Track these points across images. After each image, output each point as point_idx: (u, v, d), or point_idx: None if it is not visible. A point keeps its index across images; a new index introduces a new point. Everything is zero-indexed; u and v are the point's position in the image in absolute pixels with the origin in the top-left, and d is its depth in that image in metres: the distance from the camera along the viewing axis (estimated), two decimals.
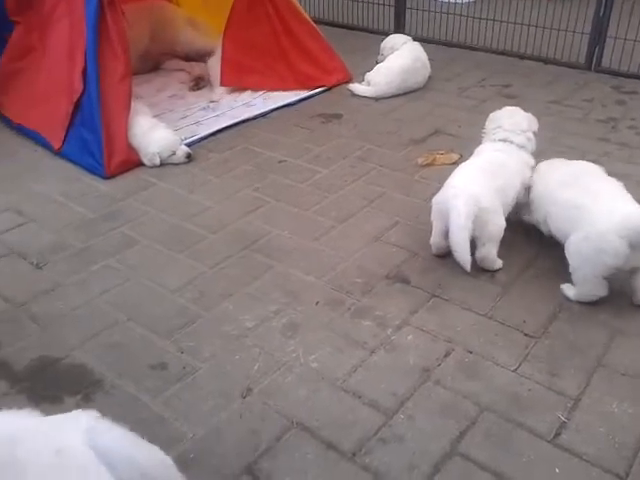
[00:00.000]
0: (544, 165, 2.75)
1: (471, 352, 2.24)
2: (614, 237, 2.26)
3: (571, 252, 2.41)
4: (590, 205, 2.37)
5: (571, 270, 2.43)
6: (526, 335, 2.30)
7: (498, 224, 2.55)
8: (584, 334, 2.30)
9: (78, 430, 1.35)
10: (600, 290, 2.38)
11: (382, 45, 4.43)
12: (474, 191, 2.49)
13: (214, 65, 4.32)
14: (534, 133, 2.83)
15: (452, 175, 2.66)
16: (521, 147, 2.75)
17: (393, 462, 1.86)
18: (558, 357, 2.20)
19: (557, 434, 1.93)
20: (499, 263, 2.61)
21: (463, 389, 2.09)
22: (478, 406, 2.03)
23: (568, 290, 2.46)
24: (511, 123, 2.80)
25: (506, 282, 2.57)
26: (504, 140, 2.76)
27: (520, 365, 2.17)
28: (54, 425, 1.40)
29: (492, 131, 2.84)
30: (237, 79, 4.29)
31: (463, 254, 2.45)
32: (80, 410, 1.45)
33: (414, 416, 2.00)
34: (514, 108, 2.92)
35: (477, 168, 2.67)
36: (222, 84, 4.28)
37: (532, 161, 2.76)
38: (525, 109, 2.99)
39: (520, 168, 2.70)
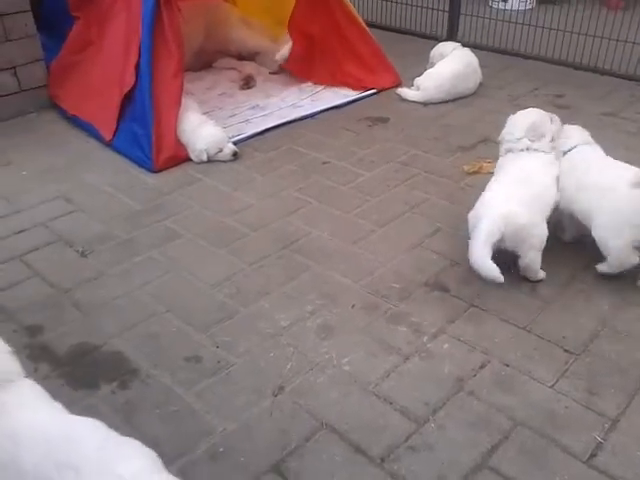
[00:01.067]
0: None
1: (508, 365, 2.19)
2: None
3: (603, 228, 2.49)
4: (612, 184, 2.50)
5: (604, 248, 2.51)
6: (566, 351, 2.25)
7: (538, 235, 2.49)
8: (627, 354, 2.23)
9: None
10: (632, 258, 2.49)
11: (431, 54, 4.40)
12: (505, 210, 2.43)
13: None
14: (539, 133, 2.65)
15: (486, 190, 2.60)
16: (527, 150, 2.63)
17: (421, 471, 1.84)
18: (598, 376, 2.14)
19: (593, 455, 1.88)
20: (542, 274, 2.56)
21: (497, 402, 2.05)
22: (512, 420, 1.99)
23: (602, 267, 2.53)
24: (506, 133, 2.74)
25: (548, 295, 2.51)
26: (509, 151, 2.69)
27: (558, 381, 2.12)
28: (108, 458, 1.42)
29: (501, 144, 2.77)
30: (299, 70, 4.43)
31: (486, 272, 2.39)
32: (143, 448, 1.47)
33: (445, 426, 1.98)
34: (518, 113, 2.78)
35: (509, 181, 2.59)
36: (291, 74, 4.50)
37: (553, 159, 2.63)
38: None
39: (546, 169, 2.59)
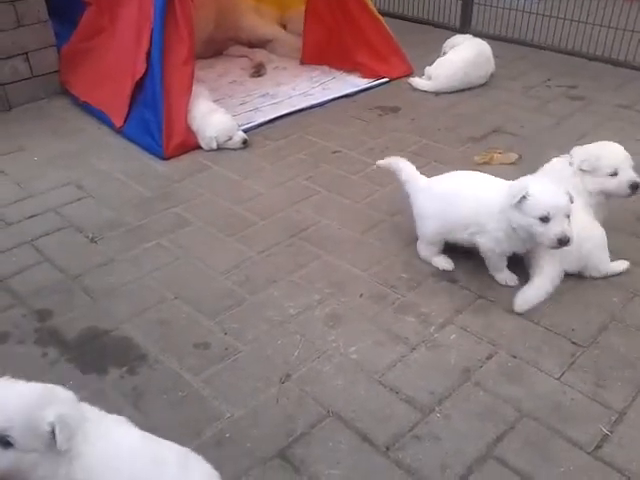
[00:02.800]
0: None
1: (515, 356, 2.19)
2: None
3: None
4: None
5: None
6: (573, 343, 2.24)
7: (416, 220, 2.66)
8: (635, 347, 2.22)
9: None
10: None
11: (443, 46, 4.38)
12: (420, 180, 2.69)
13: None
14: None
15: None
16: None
17: (426, 460, 1.85)
18: (605, 368, 2.14)
19: (598, 447, 1.87)
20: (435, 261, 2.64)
21: (504, 393, 2.05)
22: (518, 411, 1.99)
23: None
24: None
25: (557, 288, 2.49)
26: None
27: (564, 373, 2.12)
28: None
29: None
30: (317, 58, 4.49)
31: None
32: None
33: (451, 416, 1.98)
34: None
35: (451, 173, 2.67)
36: (304, 62, 4.55)
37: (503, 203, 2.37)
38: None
39: (483, 195, 2.45)
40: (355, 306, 2.43)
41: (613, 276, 2.53)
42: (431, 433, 1.93)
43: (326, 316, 2.38)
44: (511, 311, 2.38)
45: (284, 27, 4.99)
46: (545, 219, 2.24)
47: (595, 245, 2.49)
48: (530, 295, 2.38)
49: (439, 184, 2.61)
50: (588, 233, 2.47)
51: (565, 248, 2.30)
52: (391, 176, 3.28)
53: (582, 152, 2.58)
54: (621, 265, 2.55)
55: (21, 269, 2.64)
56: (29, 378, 2.12)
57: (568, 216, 2.27)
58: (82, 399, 1.76)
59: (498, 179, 2.51)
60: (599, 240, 2.51)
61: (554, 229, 2.24)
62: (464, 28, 5.21)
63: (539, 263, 2.44)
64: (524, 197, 2.27)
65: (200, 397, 2.05)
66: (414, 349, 2.23)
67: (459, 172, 2.66)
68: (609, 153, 2.56)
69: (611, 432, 1.92)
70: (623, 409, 1.99)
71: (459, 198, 2.50)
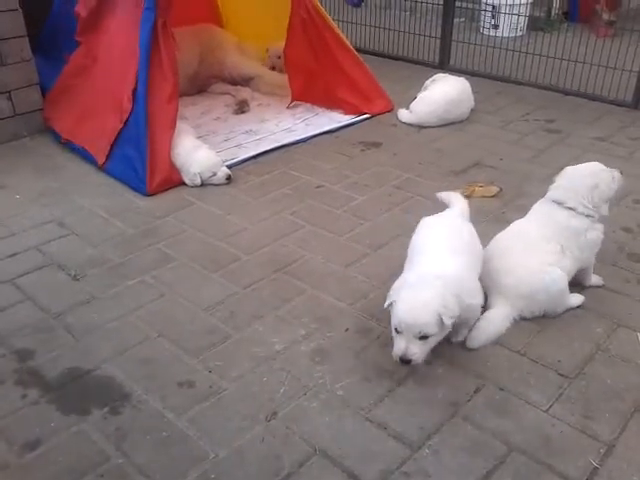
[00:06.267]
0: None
1: (502, 389, 2.18)
2: None
3: None
4: None
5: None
6: (560, 375, 2.24)
7: None
8: (622, 378, 2.22)
9: None
10: None
11: (424, 84, 4.45)
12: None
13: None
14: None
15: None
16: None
17: None
18: (593, 399, 2.13)
19: None
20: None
21: (492, 427, 2.04)
22: (507, 445, 1.97)
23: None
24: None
25: (542, 319, 2.50)
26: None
27: (552, 405, 2.11)
28: None
29: None
30: (300, 96, 4.51)
31: None
32: None
33: (440, 451, 1.96)
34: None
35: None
36: (294, 99, 4.53)
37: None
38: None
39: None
40: (341, 340, 2.41)
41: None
42: (420, 470, 1.90)
43: (312, 351, 2.36)
44: (497, 343, 2.38)
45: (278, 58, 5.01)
46: (396, 330, 2.13)
47: (550, 296, 2.45)
48: (480, 332, 2.38)
49: (429, 218, 2.59)
50: (541, 284, 2.43)
51: (517, 293, 2.42)
52: (374, 210, 3.31)
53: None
54: (577, 299, 2.55)
55: (2, 308, 2.60)
56: (8, 420, 2.08)
57: (425, 337, 2.09)
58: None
59: (467, 251, 2.42)
60: (554, 290, 2.44)
61: (396, 345, 2.13)
62: (443, 65, 5.34)
63: (491, 301, 2.47)
64: (394, 300, 2.16)
65: (184, 437, 2.01)
66: (401, 384, 2.21)
67: (455, 215, 2.61)
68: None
69: (600, 465, 1.90)
70: (612, 441, 1.98)
71: (419, 236, 2.50)
